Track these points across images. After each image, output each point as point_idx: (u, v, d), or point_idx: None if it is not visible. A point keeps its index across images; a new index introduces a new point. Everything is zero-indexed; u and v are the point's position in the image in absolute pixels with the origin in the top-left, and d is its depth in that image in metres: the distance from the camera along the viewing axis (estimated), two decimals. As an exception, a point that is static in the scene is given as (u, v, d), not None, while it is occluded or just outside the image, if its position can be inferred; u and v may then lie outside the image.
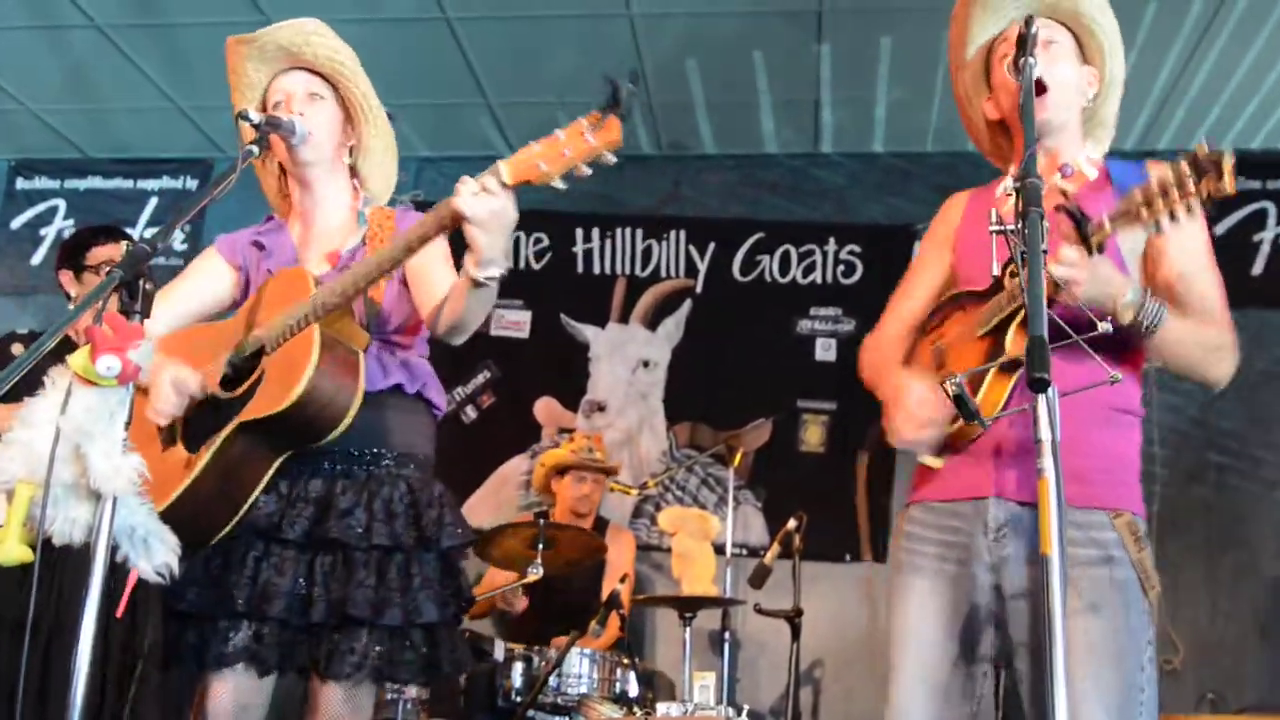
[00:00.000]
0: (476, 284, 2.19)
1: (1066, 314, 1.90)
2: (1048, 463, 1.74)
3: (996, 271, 2.12)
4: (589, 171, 2.00)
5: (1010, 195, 2.30)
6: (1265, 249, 5.68)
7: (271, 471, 2.38)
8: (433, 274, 2.45)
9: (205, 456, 2.33)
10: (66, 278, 3.83)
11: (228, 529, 2.36)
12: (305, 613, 2.33)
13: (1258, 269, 5.65)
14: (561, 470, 5.07)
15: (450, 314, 2.35)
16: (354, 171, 2.70)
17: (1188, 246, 2.17)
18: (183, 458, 2.37)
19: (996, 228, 1.91)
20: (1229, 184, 1.81)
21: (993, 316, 2.16)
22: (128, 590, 2.15)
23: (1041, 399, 1.75)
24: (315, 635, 2.36)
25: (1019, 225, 1.82)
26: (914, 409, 2.19)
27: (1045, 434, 1.75)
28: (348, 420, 2.30)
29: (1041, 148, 2.30)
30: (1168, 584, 5.54)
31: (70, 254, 3.85)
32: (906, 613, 2.24)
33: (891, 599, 2.30)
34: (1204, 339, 2.13)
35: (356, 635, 2.31)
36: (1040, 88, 2.16)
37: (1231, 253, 5.63)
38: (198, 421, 2.40)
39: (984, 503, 2.16)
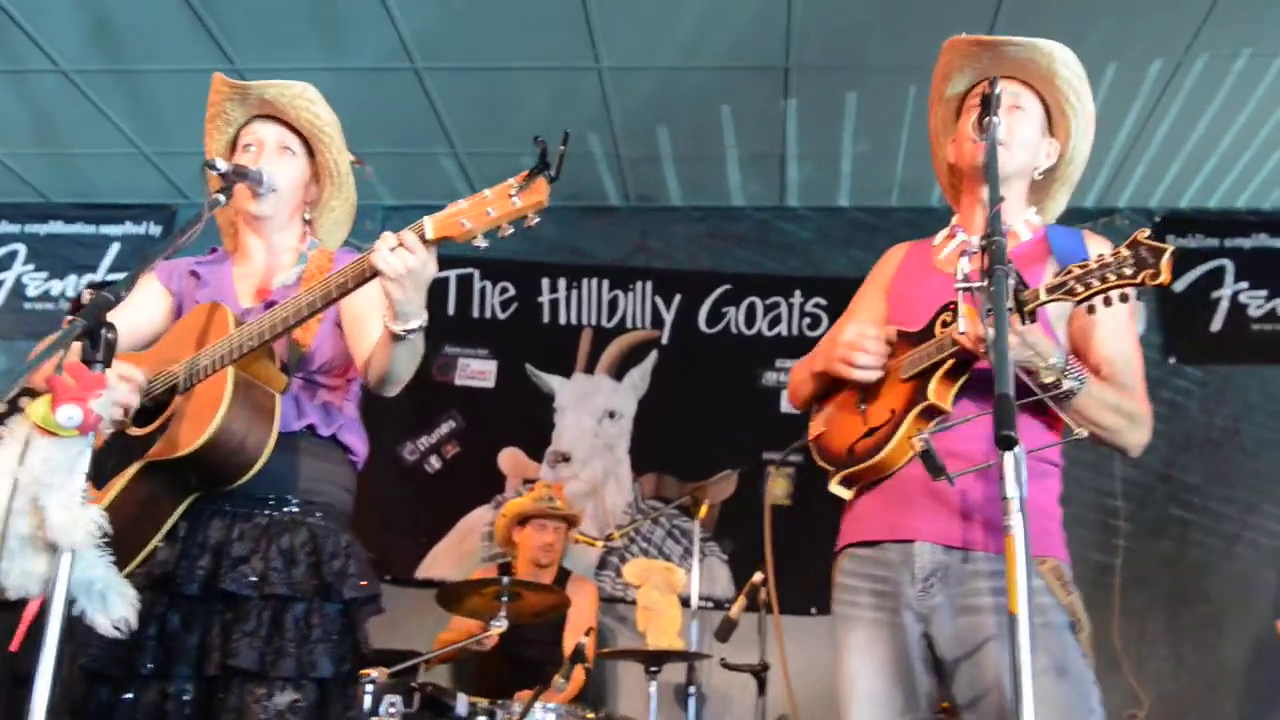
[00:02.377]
0: (397, 337, 2.19)
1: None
2: (1015, 520, 1.74)
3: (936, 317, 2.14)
4: (511, 230, 2.04)
5: (951, 236, 2.50)
6: (1224, 305, 5.75)
7: (178, 514, 2.32)
8: (366, 323, 2.42)
9: (109, 494, 2.27)
10: None
11: (129, 569, 2.26)
12: (201, 666, 2.27)
13: (1216, 325, 5.72)
14: (523, 520, 5.03)
15: (378, 367, 2.32)
16: (309, 223, 2.71)
17: (1115, 326, 2.24)
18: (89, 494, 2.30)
19: (963, 285, 1.92)
20: (1166, 278, 1.87)
21: (921, 362, 2.22)
22: (24, 624, 2.08)
23: (1008, 457, 1.75)
24: (212, 690, 2.28)
25: (985, 283, 1.83)
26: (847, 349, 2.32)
27: (1012, 491, 1.75)
28: (259, 465, 2.26)
29: (980, 201, 2.36)
30: (1131, 636, 5.58)
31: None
32: (850, 666, 2.27)
33: (836, 651, 2.32)
34: (1123, 407, 2.19)
35: (246, 689, 2.24)
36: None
37: (1190, 309, 5.73)
38: (104, 456, 2.30)
39: (910, 547, 2.21)
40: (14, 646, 2.48)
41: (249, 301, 2.54)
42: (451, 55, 5.03)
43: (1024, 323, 1.95)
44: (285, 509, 2.40)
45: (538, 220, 2.04)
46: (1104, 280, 1.92)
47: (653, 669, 4.40)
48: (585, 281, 6.17)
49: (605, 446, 5.92)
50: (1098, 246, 2.26)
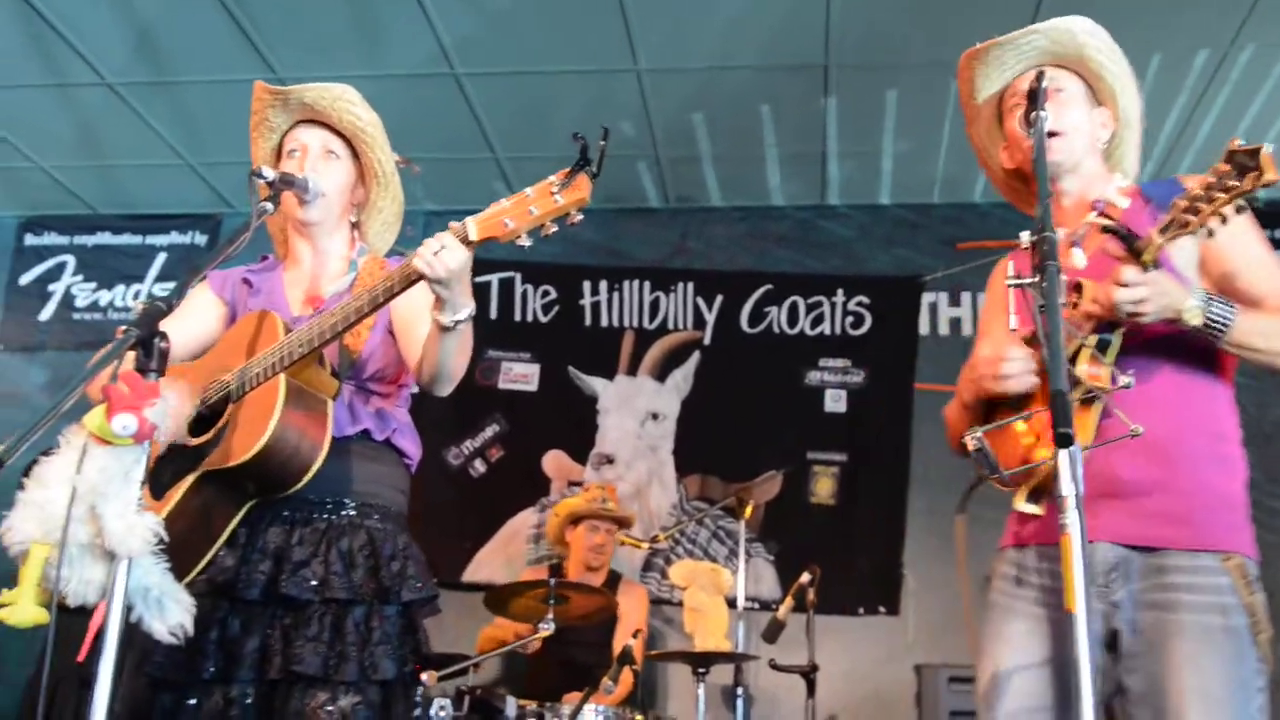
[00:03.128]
0: (445, 329, 2.22)
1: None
2: (1071, 518, 1.72)
3: (1014, 325, 2.11)
4: (555, 229, 2.06)
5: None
6: (1274, 297, 5.66)
7: (236, 520, 2.33)
8: (417, 326, 2.43)
9: (168, 504, 2.27)
10: None
11: (189, 578, 2.27)
12: (263, 670, 2.27)
13: (1267, 317, 5.64)
14: (575, 520, 5.03)
15: (429, 361, 2.34)
16: (356, 225, 2.72)
17: (1242, 241, 2.14)
18: (146, 504, 2.25)
19: (1013, 281, 1.90)
20: (1270, 174, 1.78)
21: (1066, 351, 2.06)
22: (91, 632, 2.10)
23: (1064, 454, 1.73)
24: (272, 694, 2.30)
25: (1036, 279, 1.81)
26: (990, 365, 2.17)
27: (1068, 489, 1.73)
28: (313, 471, 2.26)
29: (1064, 191, 2.32)
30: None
31: None
32: (998, 656, 2.17)
33: (982, 642, 2.22)
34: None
35: (309, 693, 2.25)
36: (1051, 135, 2.17)
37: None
38: (163, 467, 2.33)
39: (1090, 547, 2.06)
40: (80, 657, 2.55)
41: (300, 308, 2.55)
42: (491, 60, 5.05)
43: (1146, 271, 1.91)
44: (343, 512, 2.41)
45: (580, 218, 2.05)
46: (1211, 200, 1.85)
47: (700, 670, 4.39)
48: (626, 284, 6.18)
49: (649, 448, 5.92)
50: (1194, 180, 2.09)
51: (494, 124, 5.52)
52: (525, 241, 2.07)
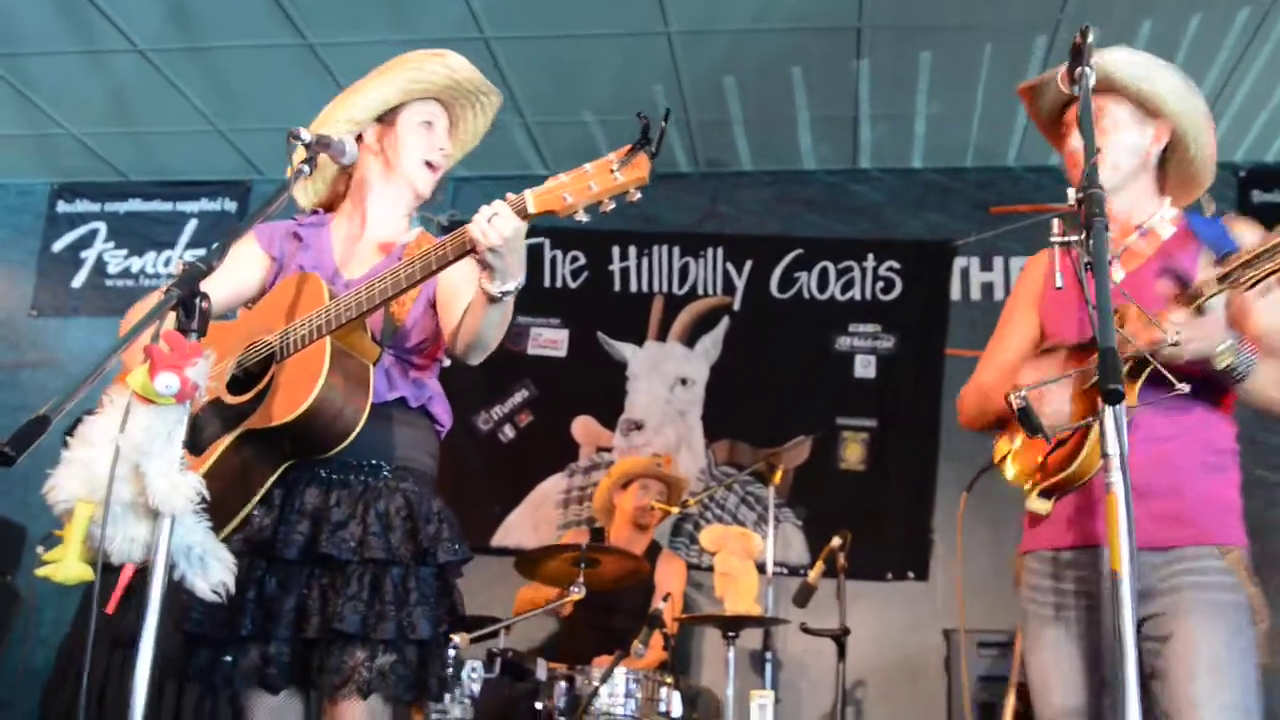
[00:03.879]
0: (492, 299, 2.22)
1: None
2: (1116, 478, 1.72)
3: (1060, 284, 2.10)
4: (612, 206, 2.08)
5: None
6: (1311, 262, 5.60)
7: (272, 480, 2.34)
8: (461, 296, 2.42)
9: (208, 461, 2.29)
10: None
11: (223, 535, 2.27)
12: (300, 627, 2.31)
13: (1304, 282, 5.58)
14: (626, 483, 5.05)
15: (468, 330, 2.35)
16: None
17: (1271, 301, 2.24)
18: (186, 461, 2.30)
19: (1058, 239, 1.88)
20: None
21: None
22: (119, 588, 2.09)
23: (1109, 413, 1.72)
24: (309, 652, 2.34)
25: (1084, 237, 1.80)
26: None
27: (1113, 449, 1.73)
28: (353, 434, 2.28)
29: (1111, 211, 2.33)
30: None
31: None
32: (1043, 662, 2.36)
33: (1027, 645, 2.42)
34: None
35: (348, 651, 2.28)
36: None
37: (1277, 266, 5.58)
38: (202, 423, 2.35)
39: (1101, 550, 2.25)
40: (109, 609, 2.56)
41: (351, 273, 2.55)
42: (520, 24, 5.03)
43: (1197, 315, 2.07)
44: (380, 475, 2.43)
45: (639, 196, 2.06)
46: (1273, 262, 2.01)
47: (730, 634, 4.41)
48: (656, 249, 6.16)
49: (678, 414, 5.92)
50: (1244, 232, 2.36)
51: (523, 88, 5.49)
52: (583, 216, 2.09)
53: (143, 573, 1.91)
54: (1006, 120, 5.47)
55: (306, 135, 2.45)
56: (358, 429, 2.27)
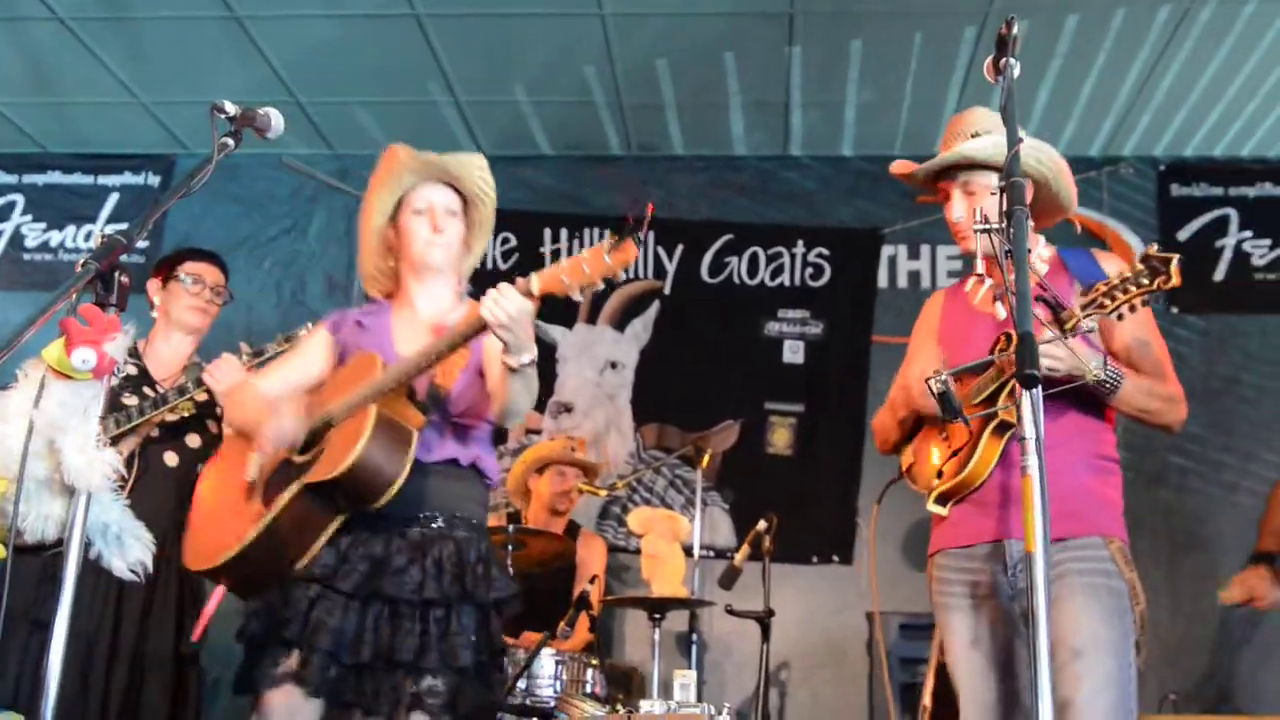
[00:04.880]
0: (511, 369, 2.55)
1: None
2: (1032, 461, 1.76)
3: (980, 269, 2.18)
4: (603, 286, 2.40)
5: (980, 283, 2.78)
6: (1227, 255, 5.75)
7: (331, 529, 2.68)
8: (495, 367, 2.73)
9: (273, 510, 2.64)
10: (154, 285, 3.84)
11: (291, 572, 2.66)
12: (355, 653, 2.61)
13: (1219, 275, 5.73)
14: (541, 468, 5.04)
15: (498, 400, 2.71)
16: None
17: (1140, 326, 2.61)
18: (258, 510, 2.69)
19: (981, 227, 1.92)
20: (1176, 280, 2.25)
21: (986, 386, 2.53)
22: (204, 617, 2.55)
23: (1026, 398, 1.76)
24: (360, 675, 2.64)
25: (1003, 224, 1.83)
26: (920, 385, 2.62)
27: (1029, 432, 1.77)
28: (394, 489, 2.58)
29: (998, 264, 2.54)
30: (1131, 585, 5.57)
31: (164, 265, 3.89)
32: (955, 648, 2.62)
33: (942, 634, 2.69)
34: (1158, 391, 2.61)
35: (397, 676, 2.61)
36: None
37: (1194, 259, 5.72)
38: (274, 481, 2.72)
39: (1000, 545, 2.57)
40: (195, 637, 3.26)
41: (408, 349, 2.80)
42: (453, 1, 4.98)
43: (1067, 339, 2.33)
44: (433, 525, 2.76)
45: (623, 277, 2.43)
46: (1126, 292, 2.26)
47: (656, 616, 4.43)
48: (587, 231, 6.15)
49: (607, 397, 5.93)
50: (1109, 262, 2.67)
51: (455, 66, 5.44)
52: (578, 296, 2.41)
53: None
54: (935, 109, 5.53)
55: (231, 108, 2.42)
56: (397, 484, 2.59)
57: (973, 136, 2.71)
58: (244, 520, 2.70)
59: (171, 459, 3.61)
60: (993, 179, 2.64)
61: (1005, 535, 2.55)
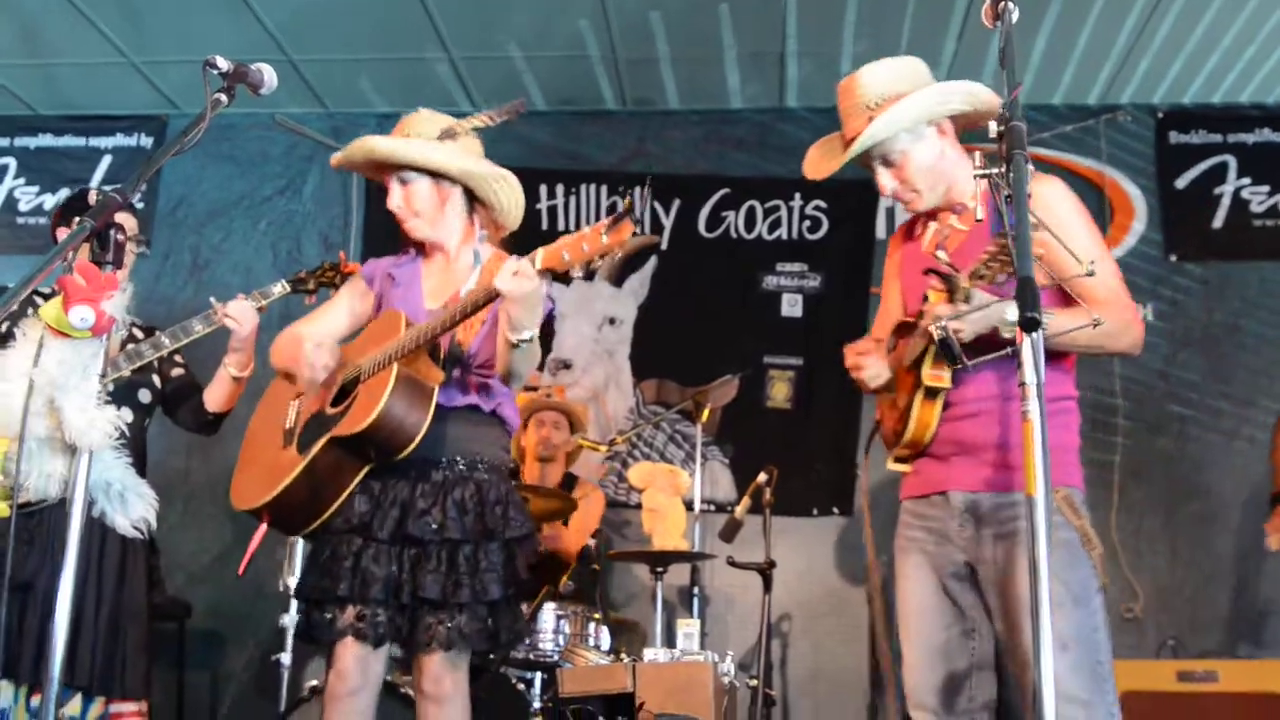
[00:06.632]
0: (513, 345, 2.67)
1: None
2: (1033, 406, 1.75)
3: (980, 216, 2.15)
4: (601, 263, 2.48)
5: (925, 226, 2.78)
6: (1225, 202, 5.73)
7: (359, 478, 2.85)
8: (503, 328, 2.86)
9: (305, 460, 2.80)
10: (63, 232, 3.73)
11: (321, 520, 2.85)
12: (398, 595, 2.79)
13: (1218, 222, 5.70)
14: (524, 420, 5.04)
15: (502, 364, 2.83)
16: (474, 201, 3.13)
17: (1078, 246, 2.29)
18: (294, 457, 2.85)
19: (980, 172, 1.91)
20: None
21: (914, 351, 2.52)
22: (250, 550, 2.65)
23: (1026, 343, 1.75)
24: (405, 613, 2.81)
25: (1004, 168, 1.82)
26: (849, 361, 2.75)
27: (1030, 377, 1.76)
28: (415, 442, 2.74)
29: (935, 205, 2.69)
30: (1129, 531, 5.65)
31: (64, 210, 3.78)
32: (906, 587, 2.66)
33: (896, 577, 2.71)
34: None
35: (433, 613, 2.77)
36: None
37: (1192, 206, 5.72)
38: (309, 430, 2.89)
39: (947, 495, 2.59)
40: (240, 571, 3.46)
41: (433, 303, 2.98)
42: (444, -44, 4.93)
43: (966, 300, 2.23)
44: (456, 468, 2.90)
45: (621, 255, 2.43)
46: (1001, 261, 2.14)
47: (658, 570, 4.46)
48: (583, 187, 6.12)
49: (606, 353, 5.93)
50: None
51: (448, 23, 5.39)
52: (577, 273, 2.49)
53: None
54: (931, 61, 5.38)
55: (224, 64, 2.39)
56: (419, 437, 2.74)
57: (867, 109, 2.68)
58: (281, 465, 2.86)
59: (127, 414, 3.57)
60: (904, 140, 2.64)
61: (950, 486, 2.58)
